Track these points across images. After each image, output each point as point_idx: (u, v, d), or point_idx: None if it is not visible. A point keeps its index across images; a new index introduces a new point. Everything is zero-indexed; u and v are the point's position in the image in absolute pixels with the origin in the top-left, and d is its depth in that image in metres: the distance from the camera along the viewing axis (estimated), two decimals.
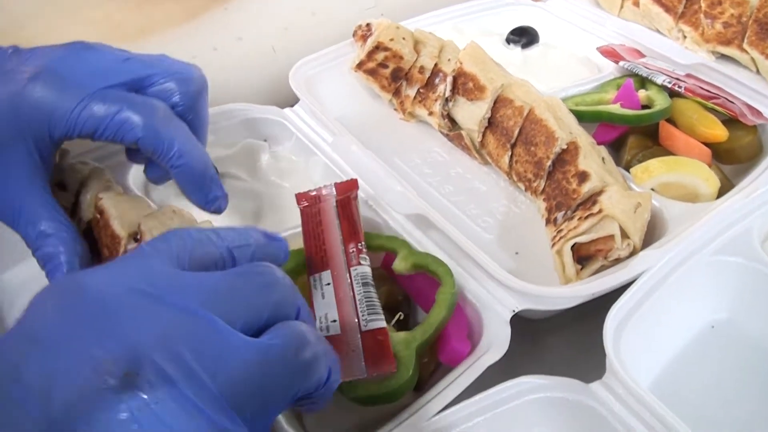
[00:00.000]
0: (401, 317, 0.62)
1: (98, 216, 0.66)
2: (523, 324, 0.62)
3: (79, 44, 0.62)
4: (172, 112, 0.62)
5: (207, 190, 0.64)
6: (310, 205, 0.68)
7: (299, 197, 0.69)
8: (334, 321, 0.57)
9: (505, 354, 0.59)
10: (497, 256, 0.68)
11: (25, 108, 0.58)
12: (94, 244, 0.66)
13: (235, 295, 0.42)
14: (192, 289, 0.40)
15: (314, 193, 0.69)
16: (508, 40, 1.00)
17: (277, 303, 0.43)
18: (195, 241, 0.44)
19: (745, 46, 0.89)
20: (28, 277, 0.72)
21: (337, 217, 0.66)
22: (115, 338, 0.36)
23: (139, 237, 0.63)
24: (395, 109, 0.89)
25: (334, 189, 0.69)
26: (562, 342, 0.71)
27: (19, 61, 0.60)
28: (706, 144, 0.76)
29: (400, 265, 0.64)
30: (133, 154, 0.68)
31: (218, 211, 0.66)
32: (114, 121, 0.58)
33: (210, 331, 0.38)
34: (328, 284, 0.60)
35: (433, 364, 0.61)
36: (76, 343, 0.36)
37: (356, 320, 0.57)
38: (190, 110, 0.63)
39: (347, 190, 0.69)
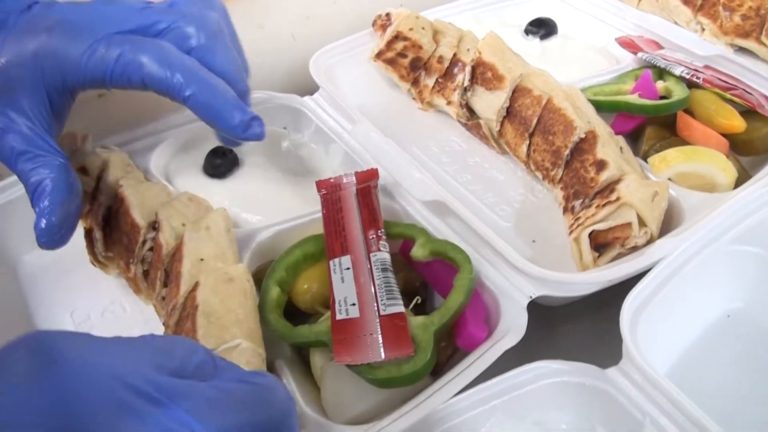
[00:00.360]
0: (419, 301, 0.62)
1: (118, 203, 0.67)
2: (539, 311, 0.63)
3: None
4: (179, 51, 0.61)
5: (228, 117, 0.62)
6: (329, 192, 0.69)
7: (320, 185, 0.70)
8: (353, 304, 0.58)
9: (521, 341, 0.59)
10: (514, 243, 0.68)
11: (41, 57, 0.59)
12: (114, 229, 0.67)
13: (234, 409, 0.36)
14: (184, 392, 0.34)
15: (334, 181, 0.70)
16: (527, 32, 1.00)
17: (277, 423, 0.39)
18: (202, 360, 0.39)
19: (763, 38, 0.89)
20: (48, 259, 0.74)
21: (357, 204, 0.67)
22: None
23: (157, 226, 0.64)
24: (414, 99, 0.89)
25: (354, 178, 0.70)
26: (578, 330, 0.71)
27: (47, 14, 0.61)
28: (724, 135, 0.76)
29: (418, 251, 0.65)
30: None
31: (255, 137, 0.64)
32: (119, 63, 0.59)
33: None
34: (348, 269, 0.61)
35: (450, 349, 0.61)
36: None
37: (375, 304, 0.58)
38: (208, 52, 0.63)
39: (368, 179, 0.69)
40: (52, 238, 0.59)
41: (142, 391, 0.32)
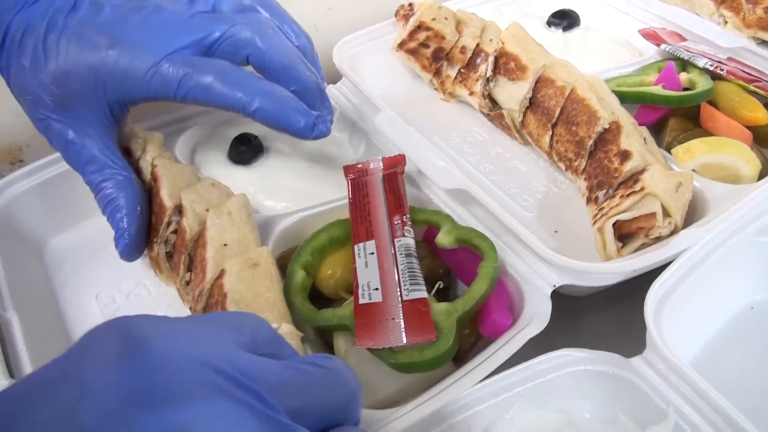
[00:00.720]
0: (441, 286, 0.62)
1: (152, 182, 0.67)
2: (561, 302, 0.63)
3: (149, 5, 0.65)
4: (235, 67, 0.64)
5: (294, 122, 0.64)
6: (356, 177, 0.69)
7: (347, 169, 0.70)
8: (377, 289, 0.58)
9: (543, 330, 0.59)
10: (537, 234, 0.68)
11: (102, 75, 0.62)
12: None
13: (307, 391, 0.37)
14: (262, 373, 0.35)
15: (362, 166, 0.70)
16: (549, 23, 1.00)
17: (345, 406, 0.40)
18: (269, 334, 0.41)
19: None
20: (74, 242, 0.75)
21: (384, 190, 0.67)
22: (169, 417, 0.31)
23: (181, 211, 0.65)
24: (435, 89, 0.89)
25: (381, 163, 0.70)
26: (600, 320, 0.71)
27: (99, 24, 0.63)
28: (748, 127, 0.76)
29: (443, 239, 0.65)
30: None
31: (322, 135, 0.66)
32: (183, 85, 0.62)
33: (274, 426, 0.34)
34: (372, 254, 0.61)
35: (473, 337, 0.61)
36: (128, 409, 0.31)
37: (398, 289, 0.58)
38: (265, 55, 0.65)
39: (394, 165, 0.70)
40: (133, 252, 0.66)
41: (227, 373, 0.33)
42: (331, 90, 0.86)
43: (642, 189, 0.65)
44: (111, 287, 0.71)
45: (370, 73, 0.90)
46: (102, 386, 0.31)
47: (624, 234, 0.65)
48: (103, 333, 0.34)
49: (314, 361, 0.40)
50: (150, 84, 0.62)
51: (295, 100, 0.65)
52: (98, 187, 0.64)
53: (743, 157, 0.72)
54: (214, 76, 0.62)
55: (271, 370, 0.36)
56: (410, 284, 0.58)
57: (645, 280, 0.61)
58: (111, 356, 0.33)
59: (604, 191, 0.69)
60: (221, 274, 0.58)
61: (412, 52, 0.88)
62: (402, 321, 0.56)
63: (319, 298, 0.64)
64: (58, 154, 0.71)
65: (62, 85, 0.62)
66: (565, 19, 0.99)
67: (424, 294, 0.58)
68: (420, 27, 0.88)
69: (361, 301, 0.58)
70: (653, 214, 0.64)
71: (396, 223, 0.63)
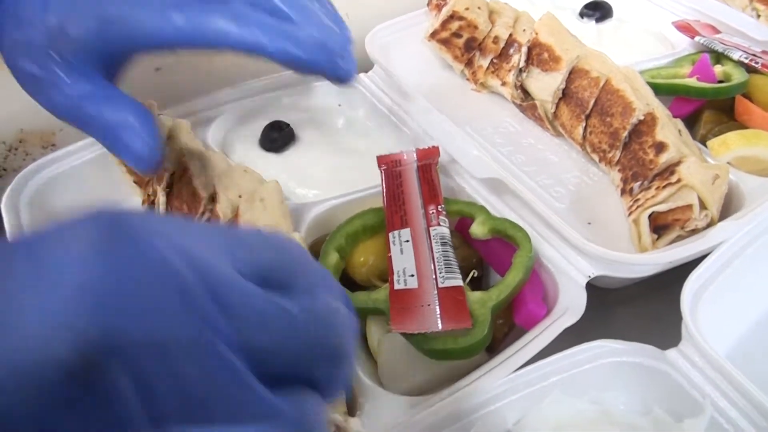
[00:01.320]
0: (475, 275, 0.62)
1: (181, 170, 0.67)
2: (595, 294, 0.62)
3: None
4: (251, 9, 0.58)
5: (316, 68, 0.57)
6: (390, 167, 0.69)
7: (380, 160, 0.70)
8: (412, 275, 0.58)
9: (576, 323, 0.59)
10: (570, 225, 0.67)
11: (104, 24, 0.56)
12: (175, 196, 0.68)
13: (283, 333, 0.30)
14: (233, 294, 0.29)
15: (395, 157, 0.70)
16: (582, 14, 0.99)
17: (332, 360, 0.32)
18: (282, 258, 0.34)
19: None
20: None
21: (418, 180, 0.67)
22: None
23: (215, 198, 0.65)
24: (467, 80, 0.89)
25: (415, 154, 0.70)
26: (633, 313, 0.71)
27: None
28: None
29: (477, 229, 0.64)
30: None
31: (347, 81, 0.60)
32: (195, 29, 0.56)
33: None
34: (407, 241, 0.61)
35: (507, 327, 0.61)
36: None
37: (433, 277, 0.58)
38: (278, 8, 0.59)
39: (428, 157, 0.69)
40: (152, 158, 0.57)
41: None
42: (362, 79, 0.86)
43: (678, 181, 0.64)
44: None
45: (402, 62, 0.89)
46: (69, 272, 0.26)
47: (659, 226, 0.64)
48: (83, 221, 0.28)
49: (306, 304, 0.32)
50: (161, 30, 0.56)
51: (317, 41, 0.58)
52: (104, 113, 0.56)
53: None
54: (230, 17, 0.56)
55: (250, 293, 0.29)
56: (446, 272, 0.58)
57: (677, 273, 0.61)
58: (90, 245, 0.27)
59: (639, 183, 0.68)
60: None
61: (444, 42, 0.88)
62: (438, 307, 0.56)
63: (349, 284, 0.64)
64: (90, 139, 0.71)
65: (60, 34, 0.56)
66: (597, 11, 0.98)
67: (459, 282, 0.58)
68: (453, 17, 0.88)
69: (397, 286, 0.58)
70: (690, 206, 0.63)
71: (431, 212, 0.63)
